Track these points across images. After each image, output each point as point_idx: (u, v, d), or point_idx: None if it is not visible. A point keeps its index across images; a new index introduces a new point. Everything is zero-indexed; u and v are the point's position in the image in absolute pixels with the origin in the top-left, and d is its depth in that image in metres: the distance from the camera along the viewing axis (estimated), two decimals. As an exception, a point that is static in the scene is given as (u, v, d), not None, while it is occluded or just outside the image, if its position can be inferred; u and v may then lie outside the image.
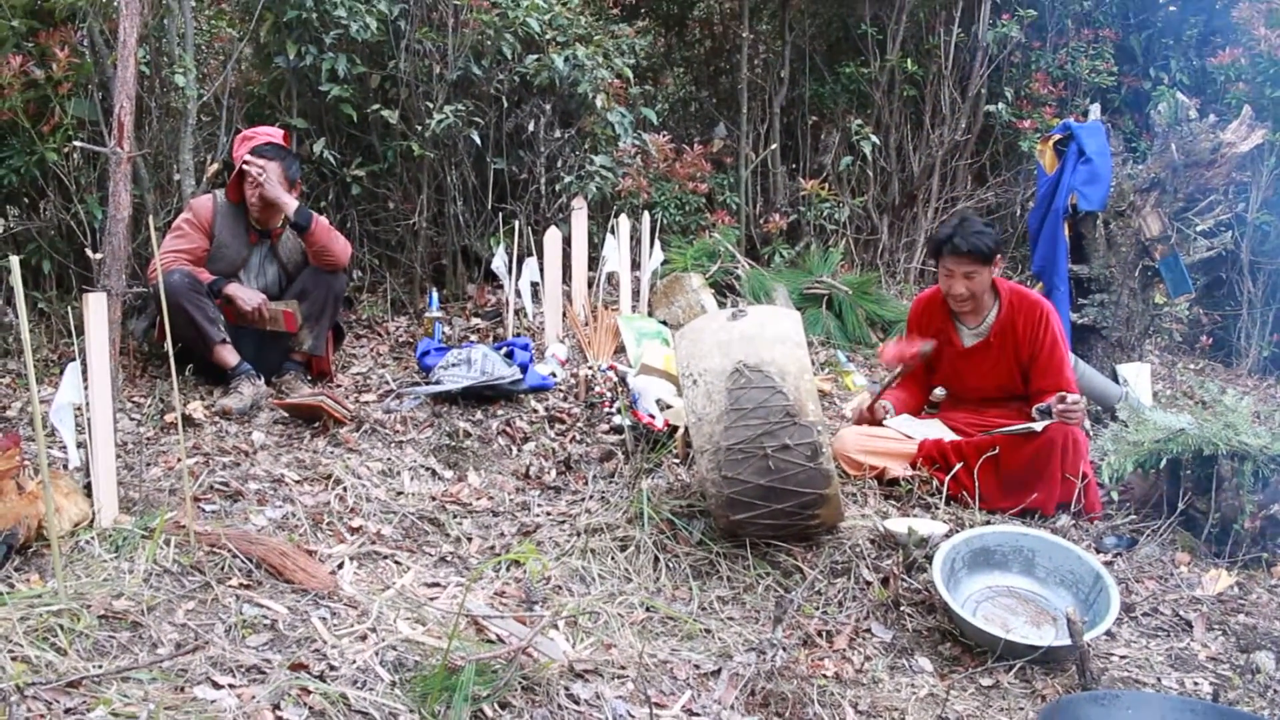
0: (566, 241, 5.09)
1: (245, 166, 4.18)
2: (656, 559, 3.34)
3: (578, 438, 4.16)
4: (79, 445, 3.10)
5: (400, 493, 3.64)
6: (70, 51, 4.14)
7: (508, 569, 3.24)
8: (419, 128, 5.02)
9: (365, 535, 3.32)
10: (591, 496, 3.75)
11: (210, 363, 4.16)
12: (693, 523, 3.47)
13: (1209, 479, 3.61)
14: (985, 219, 7.18)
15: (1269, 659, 2.99)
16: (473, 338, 4.97)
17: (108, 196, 3.29)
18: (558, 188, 5.43)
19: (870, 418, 4.05)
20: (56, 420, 2.85)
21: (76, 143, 3.88)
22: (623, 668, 2.70)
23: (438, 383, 4.25)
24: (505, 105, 5.28)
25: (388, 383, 4.48)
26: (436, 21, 5.07)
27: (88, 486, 3.02)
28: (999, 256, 3.92)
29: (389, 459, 3.82)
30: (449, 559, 3.31)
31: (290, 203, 4.22)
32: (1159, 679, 2.94)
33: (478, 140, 5.13)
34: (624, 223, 5.21)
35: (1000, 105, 6.84)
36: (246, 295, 4.20)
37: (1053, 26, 7.19)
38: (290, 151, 4.41)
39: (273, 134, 4.37)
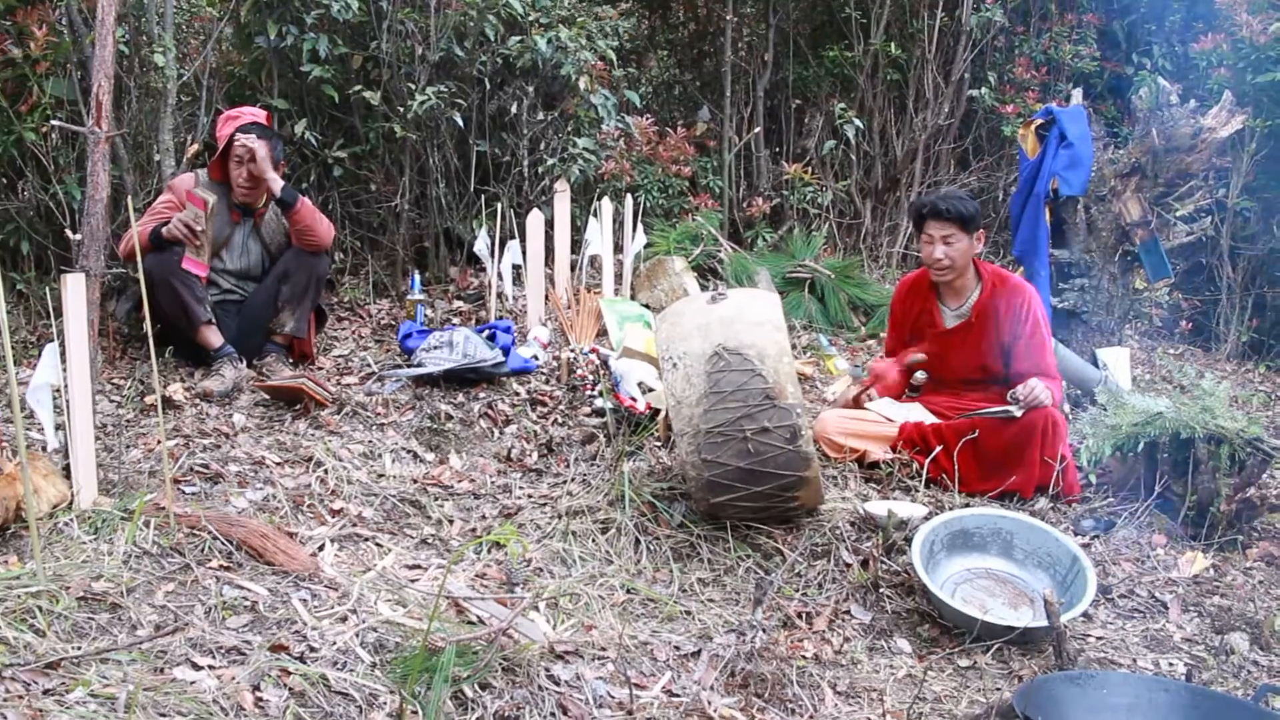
0: (549, 224, 5.08)
1: (243, 142, 4.15)
2: (637, 541, 3.35)
3: (559, 420, 4.16)
4: (57, 427, 3.09)
5: (381, 475, 3.64)
6: (48, 30, 4.10)
7: (489, 551, 3.24)
8: (401, 109, 4.99)
9: (346, 517, 3.32)
10: (573, 479, 3.76)
11: (193, 343, 4.15)
12: (673, 505, 3.49)
13: (1186, 462, 3.64)
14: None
15: (1243, 640, 3.03)
16: (455, 320, 4.96)
17: (86, 177, 3.27)
18: (540, 170, 5.41)
19: (855, 405, 4.09)
20: (33, 401, 2.84)
21: (54, 122, 3.84)
22: (603, 649, 2.72)
23: (419, 365, 4.24)
24: (488, 87, 5.26)
25: (369, 365, 4.47)
26: (418, 2, 5.04)
27: (66, 468, 3.01)
28: (980, 231, 3.95)
29: (370, 441, 3.81)
30: (430, 541, 3.31)
31: (276, 180, 4.20)
32: (1134, 660, 2.98)
33: (460, 122, 5.11)
34: (607, 206, 5.20)
35: (983, 90, 6.85)
36: (169, 225, 4.06)
37: (1036, 11, 7.20)
38: (274, 132, 4.39)
39: (257, 114, 4.35)
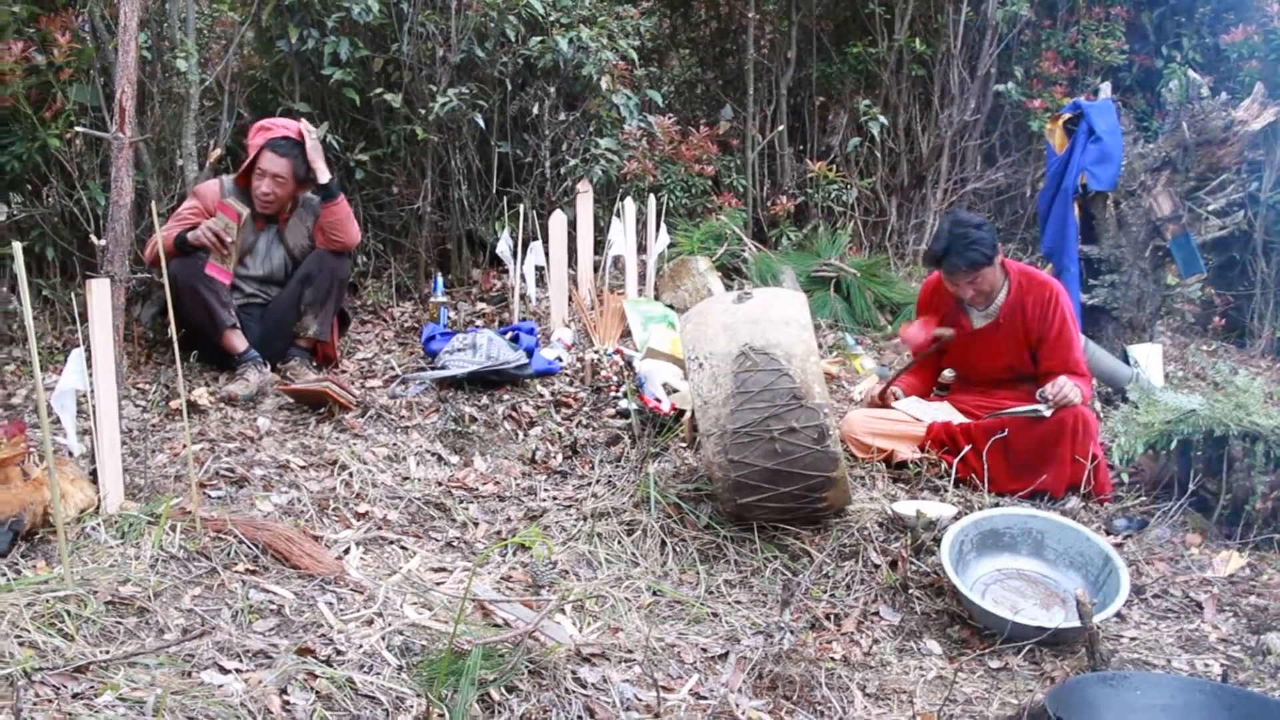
0: (572, 225, 5.07)
1: (265, 168, 4.16)
2: (663, 543, 3.33)
3: (584, 422, 4.14)
4: (83, 432, 3.10)
5: (406, 478, 3.64)
6: (71, 37, 4.12)
7: (514, 553, 3.23)
8: (422, 111, 5.00)
9: (371, 520, 3.31)
10: (598, 481, 3.74)
11: (217, 348, 4.16)
12: (699, 506, 3.46)
13: (1220, 460, 3.58)
14: (995, 200, 7.14)
15: (1279, 640, 2.98)
16: (478, 322, 4.96)
17: (110, 183, 3.28)
18: (563, 171, 5.41)
19: (881, 402, 4.05)
20: (58, 407, 2.85)
21: (78, 129, 3.86)
22: (630, 651, 2.70)
23: (443, 368, 4.24)
24: (509, 88, 5.25)
25: (393, 368, 4.47)
26: (439, 4, 5.04)
27: (93, 473, 3.02)
28: (999, 246, 3.88)
29: (395, 444, 3.81)
30: (455, 544, 3.31)
31: (324, 171, 4.25)
32: (1169, 660, 2.93)
33: (482, 123, 5.10)
34: (630, 206, 5.18)
35: (1010, 84, 6.78)
36: (197, 231, 4.07)
37: (1063, 4, 7.11)
38: (302, 145, 4.35)
39: (288, 126, 4.31)
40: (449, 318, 4.91)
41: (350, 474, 3.53)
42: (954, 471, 3.70)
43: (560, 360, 4.52)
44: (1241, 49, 6.56)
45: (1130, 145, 5.03)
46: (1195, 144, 4.89)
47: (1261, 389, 3.82)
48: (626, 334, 4.86)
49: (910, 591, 3.17)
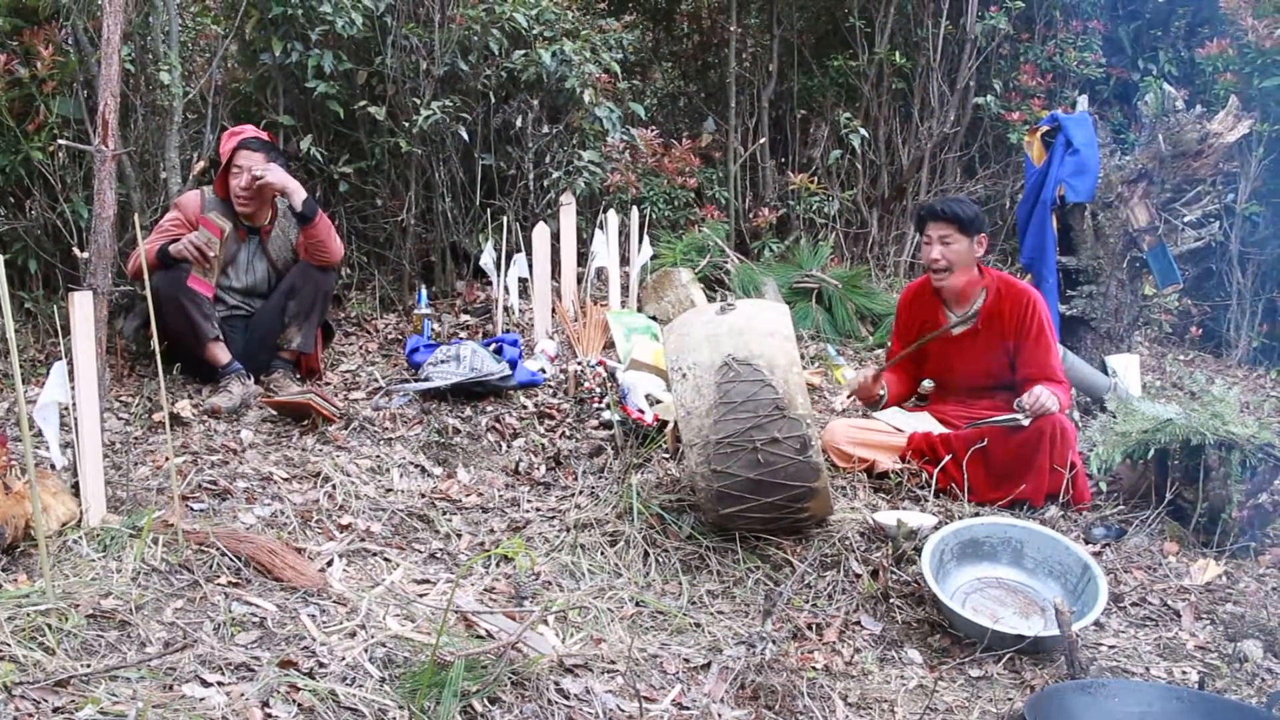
0: (555, 237, 5.09)
1: (243, 164, 4.16)
2: (646, 553, 3.34)
3: (567, 433, 4.15)
4: (65, 445, 3.09)
5: (389, 490, 3.64)
6: (54, 50, 4.12)
7: (497, 565, 3.24)
8: (406, 124, 5.01)
9: (354, 532, 3.31)
10: (581, 492, 3.75)
11: (200, 360, 4.15)
12: (682, 517, 3.48)
13: (1197, 469, 3.62)
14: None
15: (1256, 647, 3.00)
16: (462, 334, 4.96)
17: (93, 195, 3.28)
18: (546, 183, 5.42)
19: (868, 390, 4.05)
20: (41, 420, 2.84)
21: (61, 141, 3.86)
22: (612, 662, 2.71)
23: (427, 379, 4.24)
24: (493, 101, 5.27)
25: (377, 380, 4.47)
26: (423, 17, 5.05)
27: (75, 486, 3.01)
28: (981, 235, 3.94)
29: (378, 456, 3.81)
30: (438, 555, 3.31)
31: (299, 192, 4.22)
32: (1147, 668, 2.96)
33: (465, 136, 5.12)
34: (613, 218, 5.20)
35: (989, 97, 6.84)
36: (179, 244, 4.07)
37: (1041, 18, 7.19)
38: (275, 146, 4.40)
39: (258, 131, 4.37)
40: (433, 330, 4.91)
41: (333, 486, 3.53)
42: (934, 481, 3.73)
43: (543, 372, 4.53)
44: (1216, 62, 6.64)
45: (1107, 157, 5.08)
46: (1171, 156, 4.95)
47: (1237, 398, 3.85)
48: (610, 345, 4.87)
49: (891, 601, 3.18)
